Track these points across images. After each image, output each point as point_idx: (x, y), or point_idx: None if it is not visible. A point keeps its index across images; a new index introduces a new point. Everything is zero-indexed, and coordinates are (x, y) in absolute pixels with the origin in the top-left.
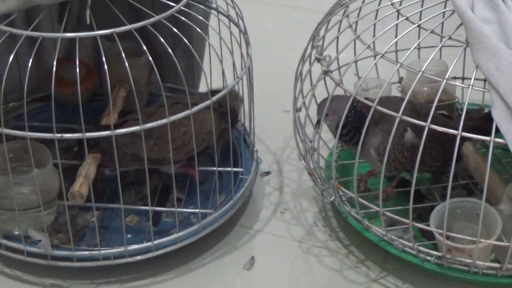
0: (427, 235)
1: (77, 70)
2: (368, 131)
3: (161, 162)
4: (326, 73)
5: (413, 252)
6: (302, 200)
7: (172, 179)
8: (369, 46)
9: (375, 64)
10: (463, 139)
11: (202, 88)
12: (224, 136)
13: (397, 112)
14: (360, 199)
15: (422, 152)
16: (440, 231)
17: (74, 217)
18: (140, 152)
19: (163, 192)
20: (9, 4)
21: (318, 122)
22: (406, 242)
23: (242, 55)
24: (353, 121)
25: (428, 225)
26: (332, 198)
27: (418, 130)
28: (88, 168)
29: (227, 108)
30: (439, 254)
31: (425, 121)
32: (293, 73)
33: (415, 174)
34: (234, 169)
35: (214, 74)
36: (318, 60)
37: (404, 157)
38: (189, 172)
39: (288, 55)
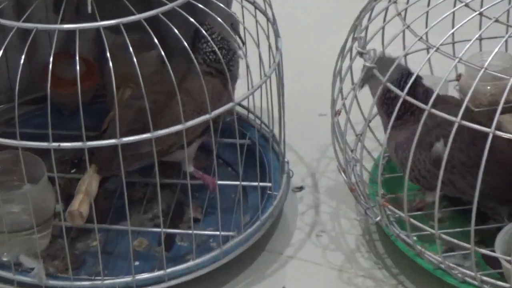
0: (492, 263)
1: (77, 67)
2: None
3: (167, 151)
4: (370, 69)
5: (476, 282)
6: (342, 221)
7: (187, 195)
8: (421, 37)
9: (429, 59)
10: None
11: None
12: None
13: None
14: (412, 220)
15: (452, 170)
16: (507, 257)
17: (72, 241)
18: (140, 149)
19: (177, 210)
20: None
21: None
22: (467, 271)
23: (270, 49)
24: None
25: (493, 251)
26: (378, 218)
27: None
28: (89, 183)
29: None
30: (507, 285)
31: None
32: (330, 70)
33: (477, 191)
34: (261, 183)
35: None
36: (360, 54)
37: (426, 170)
38: (206, 181)
39: (324, 49)
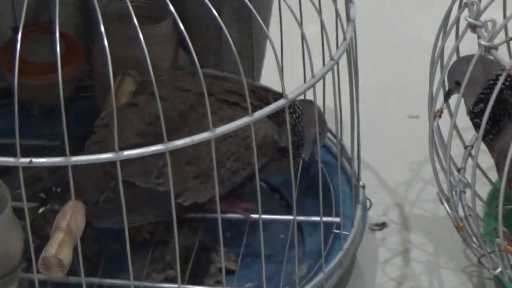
0: None
1: (57, 46)
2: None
3: (176, 198)
4: (488, 50)
5: None
6: (444, 273)
7: (216, 235)
8: None
9: None
10: None
11: (267, 77)
12: (275, 166)
13: None
14: None
15: None
16: None
17: None
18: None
19: (200, 258)
20: None
21: (449, 92)
22: None
23: (338, 19)
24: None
25: None
26: (499, 270)
27: None
28: (72, 218)
29: (300, 117)
30: None
31: None
32: (427, 51)
33: None
34: (324, 218)
35: (288, 52)
36: (472, 28)
37: None
38: (240, 211)
39: (418, 20)
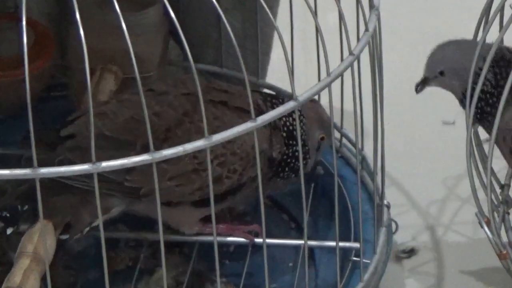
0: None
1: (24, 36)
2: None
3: (143, 195)
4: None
5: None
6: None
7: (212, 263)
8: None
9: None
10: None
11: (274, 75)
12: (271, 179)
13: None
14: None
15: None
16: None
17: None
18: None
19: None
20: None
21: (425, 81)
22: None
23: (358, 7)
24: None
25: None
26: None
27: None
28: (40, 241)
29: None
30: None
31: None
32: None
33: None
34: (341, 243)
35: (299, 46)
36: None
37: None
38: (243, 235)
39: (451, 9)
